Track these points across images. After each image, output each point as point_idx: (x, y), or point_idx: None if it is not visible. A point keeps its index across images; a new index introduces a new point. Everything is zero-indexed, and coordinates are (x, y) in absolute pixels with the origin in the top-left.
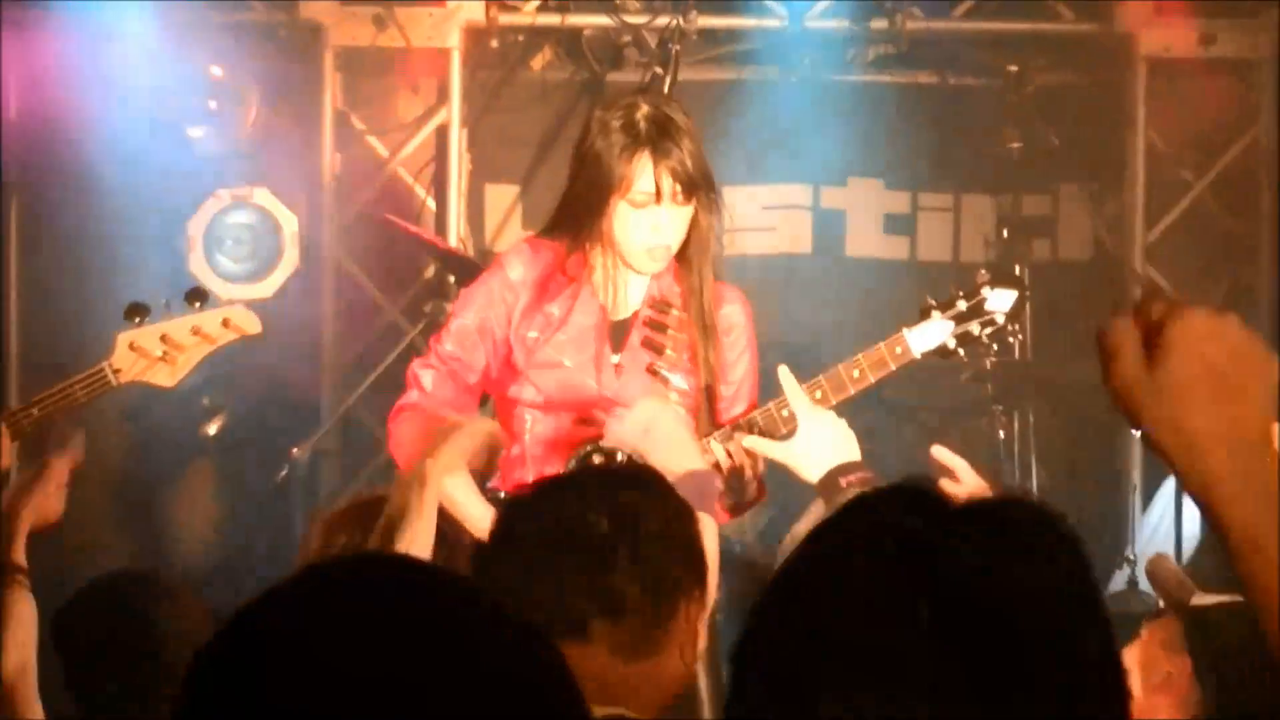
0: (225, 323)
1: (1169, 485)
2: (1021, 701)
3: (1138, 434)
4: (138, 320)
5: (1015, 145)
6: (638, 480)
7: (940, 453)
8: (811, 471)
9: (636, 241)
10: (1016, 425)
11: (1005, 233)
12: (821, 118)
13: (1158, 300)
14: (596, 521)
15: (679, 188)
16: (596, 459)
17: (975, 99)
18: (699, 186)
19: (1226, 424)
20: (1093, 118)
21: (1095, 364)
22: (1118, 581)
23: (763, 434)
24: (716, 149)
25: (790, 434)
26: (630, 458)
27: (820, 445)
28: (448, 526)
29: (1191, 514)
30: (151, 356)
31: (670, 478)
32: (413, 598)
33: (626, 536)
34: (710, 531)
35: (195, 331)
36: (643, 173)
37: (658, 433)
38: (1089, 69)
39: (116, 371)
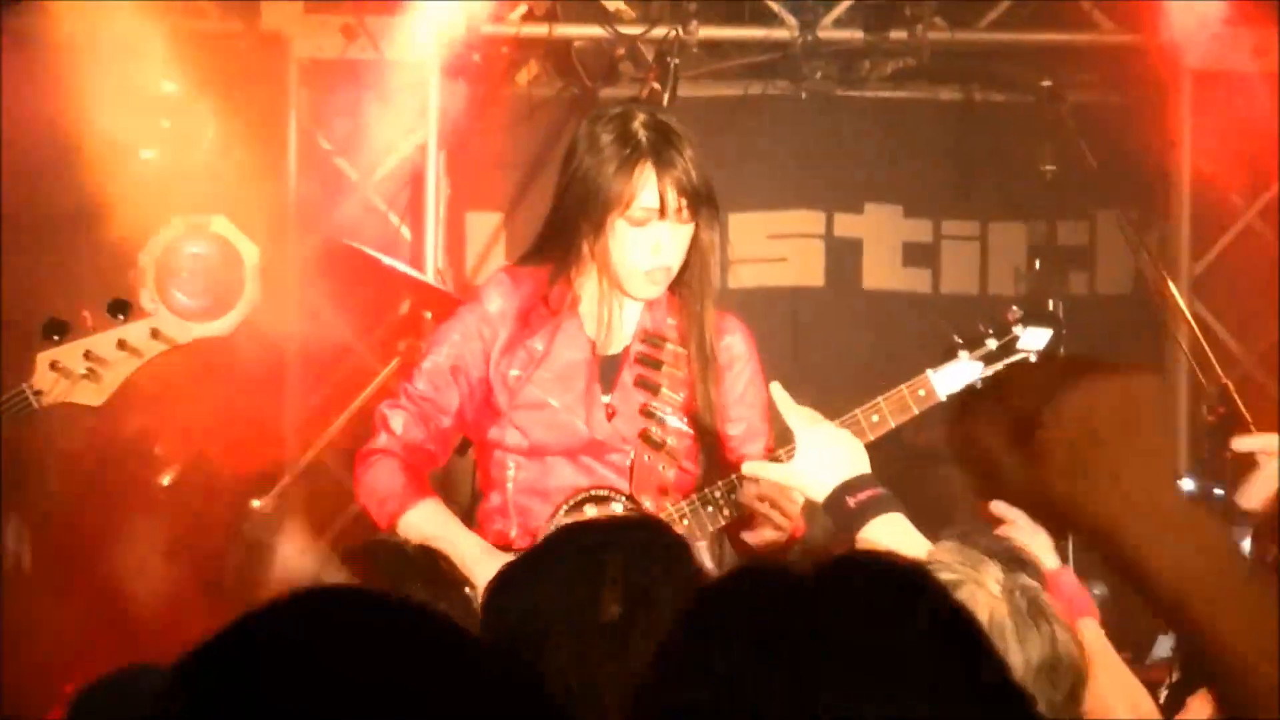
0: (154, 333)
1: None
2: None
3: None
4: (57, 338)
5: (1048, 168)
6: (645, 543)
7: (999, 508)
8: (816, 491)
9: (635, 263)
10: None
11: (1038, 264)
12: (835, 137)
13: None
14: (611, 602)
15: (684, 202)
16: (589, 509)
17: (1004, 117)
18: (703, 202)
19: (1149, 484)
20: (1134, 137)
21: None
22: (1161, 647)
23: None
24: (720, 172)
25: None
26: (625, 505)
27: (823, 462)
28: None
29: None
30: (75, 375)
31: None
32: (405, 614)
33: (641, 614)
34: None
35: (121, 345)
36: (645, 186)
37: (826, 457)
38: (1130, 84)
39: (38, 394)
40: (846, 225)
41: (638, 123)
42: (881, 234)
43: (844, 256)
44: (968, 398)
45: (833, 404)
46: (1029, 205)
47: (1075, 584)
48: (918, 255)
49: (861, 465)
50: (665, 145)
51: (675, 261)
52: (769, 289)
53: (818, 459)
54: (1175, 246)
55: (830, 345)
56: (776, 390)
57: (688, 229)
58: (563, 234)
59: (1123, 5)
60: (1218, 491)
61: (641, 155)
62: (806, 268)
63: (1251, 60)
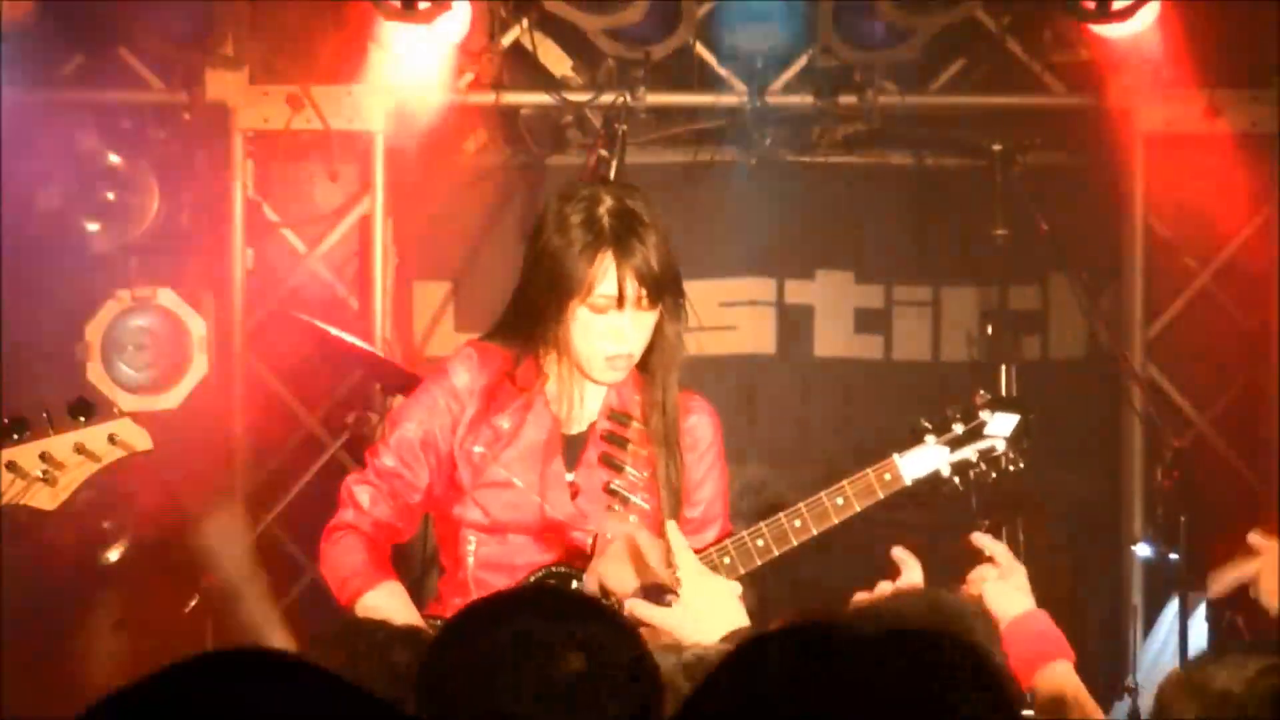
0: (111, 439)
1: (1172, 608)
2: None
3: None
4: (16, 436)
5: (1000, 232)
6: (598, 608)
7: (980, 539)
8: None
9: (596, 349)
10: (1004, 542)
11: (990, 329)
12: (785, 203)
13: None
14: (571, 660)
15: (644, 292)
16: (551, 584)
17: (956, 181)
18: (665, 290)
19: None
20: (1086, 201)
21: (1092, 473)
22: (1119, 712)
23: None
24: (671, 243)
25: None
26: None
27: (704, 613)
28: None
29: (1199, 639)
30: (30, 476)
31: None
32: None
33: (602, 673)
34: None
35: (79, 449)
36: (605, 275)
37: (702, 608)
38: (1082, 147)
39: None
40: (797, 292)
41: (603, 208)
42: (833, 301)
43: (795, 324)
44: None
45: (787, 473)
46: (981, 270)
47: (1047, 627)
48: (870, 322)
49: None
50: (627, 233)
51: (637, 348)
52: (720, 357)
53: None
54: (1129, 309)
55: (783, 414)
56: (673, 531)
57: (650, 315)
58: (529, 314)
59: (1074, 68)
60: (1173, 556)
61: (603, 243)
62: (757, 335)
63: (1203, 122)
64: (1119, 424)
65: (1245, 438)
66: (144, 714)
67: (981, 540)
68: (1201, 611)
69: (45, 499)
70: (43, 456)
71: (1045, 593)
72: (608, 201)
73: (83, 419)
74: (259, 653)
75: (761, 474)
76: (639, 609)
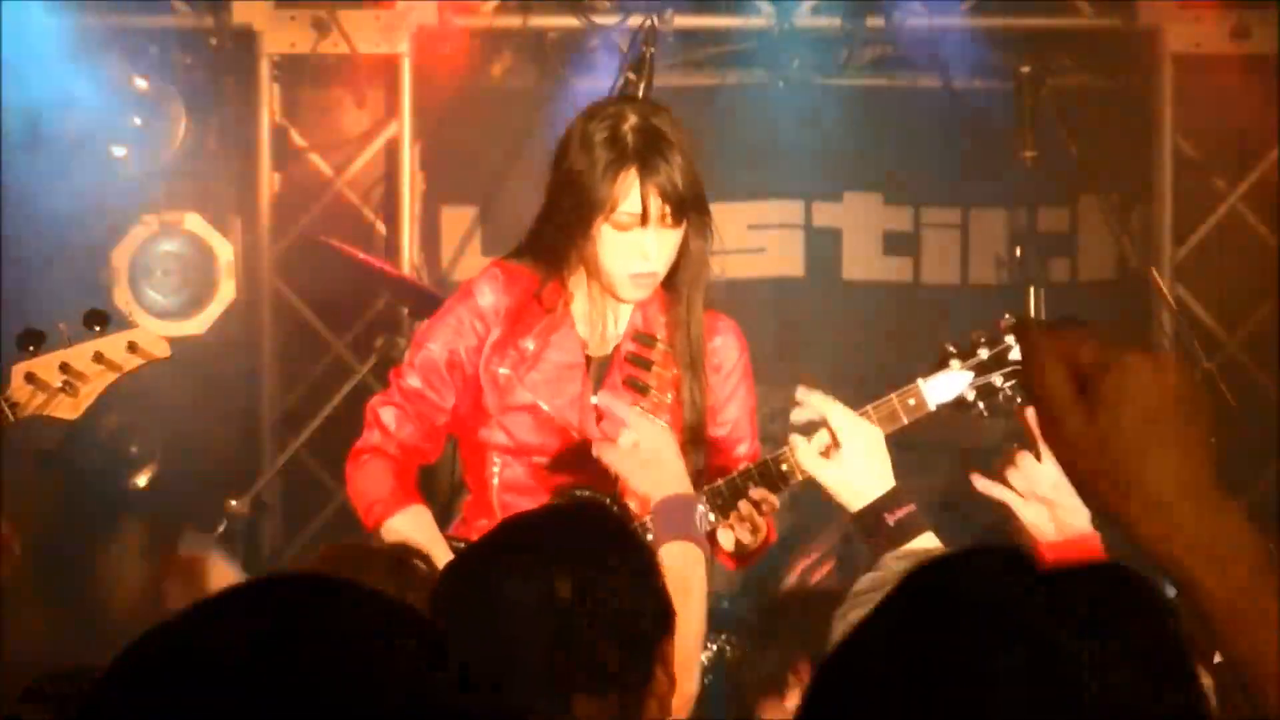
0: (131, 347)
1: None
2: None
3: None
4: (32, 349)
5: (1029, 154)
6: (599, 533)
7: (982, 484)
8: (854, 500)
9: (621, 268)
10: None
11: (1019, 251)
12: (813, 126)
13: (1086, 347)
14: (560, 591)
15: (668, 209)
16: None
17: (984, 103)
18: (690, 208)
19: (1186, 476)
20: (1115, 122)
21: None
22: None
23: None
24: (697, 163)
25: (791, 486)
26: (612, 504)
27: (868, 469)
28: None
29: None
30: (51, 388)
31: (652, 502)
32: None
33: (591, 605)
34: (695, 560)
35: (98, 358)
36: (628, 192)
37: (645, 454)
38: (1110, 69)
39: (14, 405)
40: (826, 214)
41: (627, 125)
42: (861, 223)
43: (823, 246)
44: (1043, 334)
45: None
46: (1010, 192)
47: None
48: (898, 244)
49: (890, 475)
50: (651, 151)
51: (662, 266)
52: (748, 280)
53: (865, 466)
54: (1157, 231)
55: (811, 337)
56: (804, 392)
57: (675, 233)
58: (554, 234)
59: None
60: None
61: (627, 160)
62: (786, 258)
63: (1232, 42)
64: (1148, 346)
65: (1275, 358)
66: (197, 646)
67: (983, 485)
68: None
69: (67, 409)
70: (63, 367)
71: None
72: (632, 119)
73: (98, 328)
74: (308, 577)
75: (789, 396)
76: (807, 459)
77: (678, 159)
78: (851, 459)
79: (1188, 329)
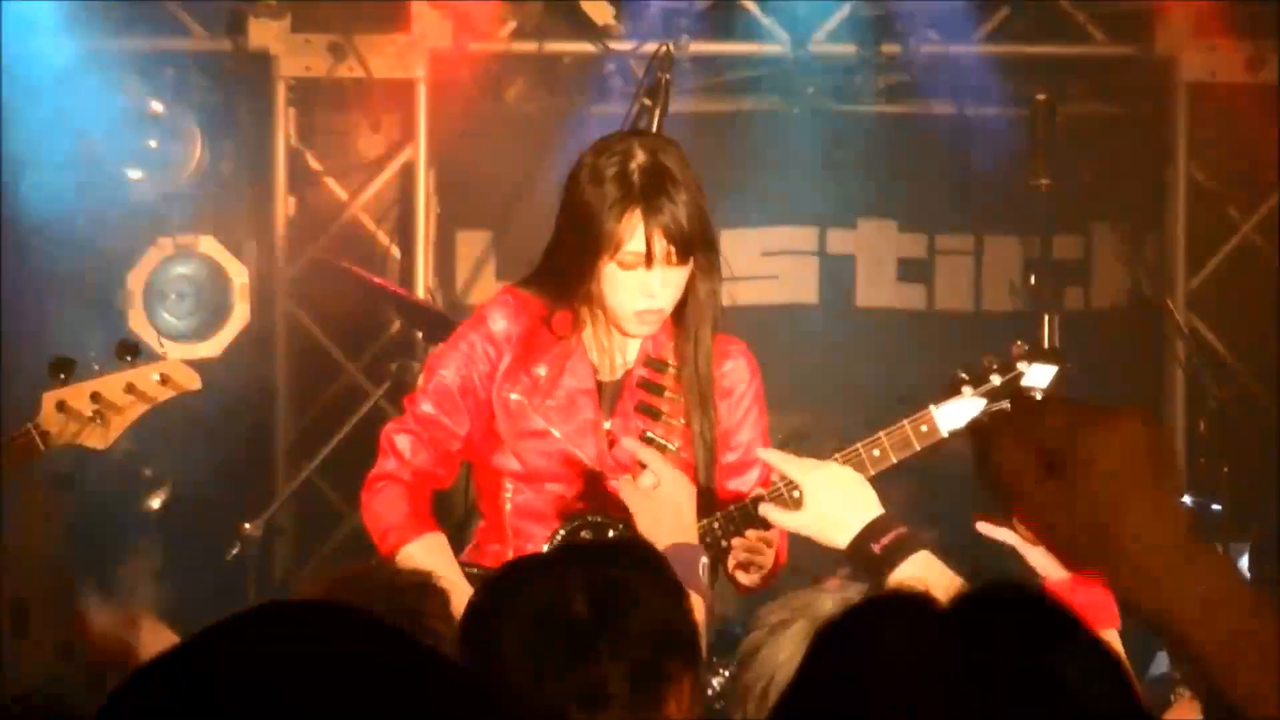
0: (163, 379)
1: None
2: None
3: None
4: (63, 377)
5: (1043, 181)
6: (626, 559)
7: (986, 528)
8: (836, 537)
9: (626, 305)
10: None
11: (1033, 279)
12: (827, 153)
13: (1054, 415)
14: (577, 605)
15: (673, 249)
16: (585, 534)
17: (998, 131)
18: (696, 246)
19: (1161, 530)
20: (1129, 150)
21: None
22: (1157, 665)
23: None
24: (711, 189)
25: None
26: (622, 532)
27: (835, 507)
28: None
29: None
30: (83, 417)
31: (658, 548)
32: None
33: (609, 622)
34: (696, 608)
35: (130, 389)
36: (633, 232)
37: (662, 500)
38: (1125, 97)
39: (44, 434)
40: (840, 241)
41: (634, 163)
42: (875, 250)
43: (837, 273)
44: (989, 424)
45: (828, 424)
46: (1024, 220)
47: (1096, 595)
48: (912, 271)
49: (874, 504)
50: (656, 190)
51: (668, 303)
52: (762, 307)
53: (830, 505)
54: (1171, 260)
55: (825, 364)
56: (765, 453)
57: (681, 271)
58: (562, 267)
59: (1117, 17)
60: (1215, 507)
61: (632, 200)
62: (800, 285)
63: (1246, 72)
64: (1161, 374)
65: None
66: (206, 669)
67: (984, 528)
68: (1244, 561)
69: (98, 438)
70: (94, 397)
71: None
72: (640, 156)
73: (129, 359)
74: (311, 604)
75: (804, 423)
76: (772, 513)
77: (683, 197)
78: (813, 503)
79: (1200, 358)
